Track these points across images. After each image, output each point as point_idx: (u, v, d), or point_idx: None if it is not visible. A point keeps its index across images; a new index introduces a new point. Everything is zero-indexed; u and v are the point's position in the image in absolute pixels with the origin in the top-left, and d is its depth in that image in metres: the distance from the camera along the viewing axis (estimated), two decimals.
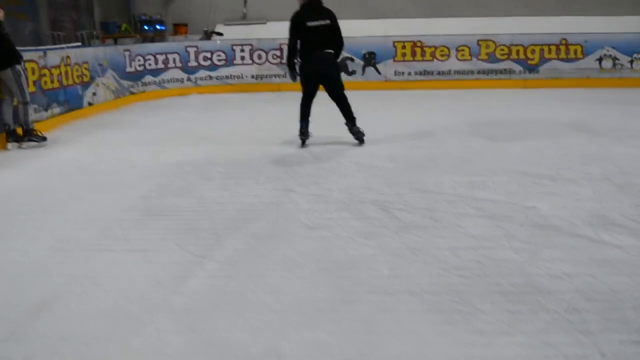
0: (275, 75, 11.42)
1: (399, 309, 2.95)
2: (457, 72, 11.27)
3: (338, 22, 6.49)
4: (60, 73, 8.60)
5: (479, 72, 11.22)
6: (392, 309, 2.95)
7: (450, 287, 3.13)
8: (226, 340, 2.73)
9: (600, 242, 3.63)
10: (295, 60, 6.56)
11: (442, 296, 3.04)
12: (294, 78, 6.64)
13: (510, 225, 3.93)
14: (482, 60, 11.19)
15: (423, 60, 11.34)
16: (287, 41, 6.55)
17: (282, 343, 2.69)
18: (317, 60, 6.40)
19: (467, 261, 3.42)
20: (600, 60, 10.84)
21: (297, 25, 6.39)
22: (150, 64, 11.31)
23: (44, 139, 7.12)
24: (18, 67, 6.93)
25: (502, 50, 11.11)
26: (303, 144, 6.53)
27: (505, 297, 3.01)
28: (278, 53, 11.42)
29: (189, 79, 11.66)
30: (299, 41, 6.42)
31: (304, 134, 6.55)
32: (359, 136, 6.51)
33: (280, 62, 11.16)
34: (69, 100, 8.80)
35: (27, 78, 7.24)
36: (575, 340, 2.62)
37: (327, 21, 6.40)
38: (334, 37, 6.45)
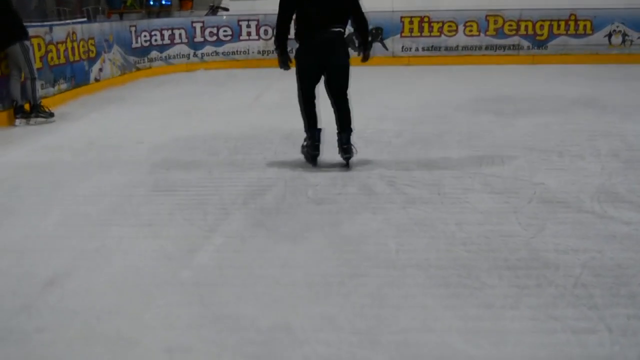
0: None
1: (407, 283, 2.97)
2: (465, 47, 11.19)
3: None
4: (67, 49, 8.58)
5: (486, 48, 11.14)
6: (400, 283, 2.97)
7: (457, 261, 3.15)
8: (235, 314, 2.76)
9: (607, 218, 3.63)
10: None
11: (449, 271, 3.06)
12: (285, 66, 4.79)
13: (517, 200, 3.93)
14: (490, 35, 11.10)
15: (430, 36, 11.26)
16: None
17: (291, 317, 2.71)
18: (318, 45, 4.62)
19: (474, 236, 3.43)
20: (609, 35, 10.74)
21: None
22: (156, 40, 11.27)
23: (52, 114, 7.13)
24: (26, 42, 6.93)
25: (511, 25, 11.01)
26: (314, 161, 4.88)
27: (512, 271, 3.02)
28: None
29: (195, 55, 11.62)
30: (294, 16, 4.71)
31: (314, 147, 4.84)
32: (348, 154, 4.78)
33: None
34: (75, 75, 8.79)
35: (34, 53, 7.23)
36: (582, 315, 2.64)
37: None
38: (344, 13, 4.68)
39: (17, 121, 7.01)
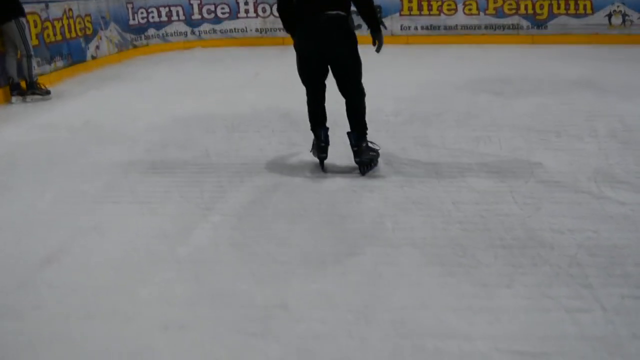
0: (279, 29, 11.26)
1: (403, 261, 2.98)
2: (464, 27, 11.12)
3: None
4: (63, 26, 8.52)
5: (486, 27, 11.06)
6: (396, 261, 2.98)
7: (453, 240, 3.16)
8: (232, 291, 2.77)
9: (603, 198, 3.64)
10: None
11: (445, 249, 3.07)
12: None
13: (514, 180, 3.93)
14: (489, 15, 11.02)
15: (430, 15, 11.17)
16: None
17: (287, 294, 2.73)
18: (312, 31, 3.98)
19: (471, 215, 3.44)
20: (609, 16, 10.66)
21: None
22: (153, 17, 11.17)
23: (48, 92, 7.10)
24: (22, 19, 6.88)
25: (510, 4, 10.92)
26: (321, 165, 4.28)
27: (507, 250, 3.03)
28: None
29: (192, 32, 11.53)
30: None
31: (320, 150, 4.22)
32: (363, 159, 4.13)
33: None
34: (72, 53, 8.74)
35: (29, 31, 7.18)
36: (577, 294, 2.65)
37: None
38: None
39: (14, 99, 6.98)
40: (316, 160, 4.31)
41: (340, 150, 4.39)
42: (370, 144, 4.20)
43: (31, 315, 2.65)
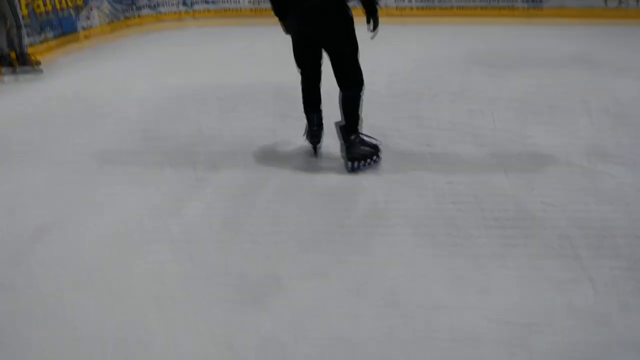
0: None
1: (395, 238, 3.00)
2: (459, 2, 11.03)
3: None
4: None
5: (481, 1, 10.98)
6: (388, 237, 3.00)
7: (445, 215, 3.18)
8: (224, 267, 2.79)
9: (595, 173, 3.65)
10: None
11: (437, 225, 3.09)
12: (289, 30, 3.91)
13: (507, 157, 3.94)
14: None
15: None
16: None
17: (280, 270, 2.75)
18: (303, 11, 3.69)
19: (463, 190, 3.45)
20: None
21: None
22: None
23: (38, 63, 7.02)
24: None
25: None
26: (315, 151, 4.09)
27: (499, 225, 3.06)
28: None
29: (184, 3, 11.39)
30: None
31: (313, 135, 4.04)
32: (354, 154, 3.80)
33: None
34: (62, 25, 8.63)
35: (19, 1, 7.10)
36: (566, 267, 2.68)
37: None
38: None
39: (5, 76, 6.91)
40: (314, 155, 4.10)
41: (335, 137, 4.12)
42: (366, 138, 3.89)
43: (24, 291, 2.67)
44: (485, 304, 2.46)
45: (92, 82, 6.56)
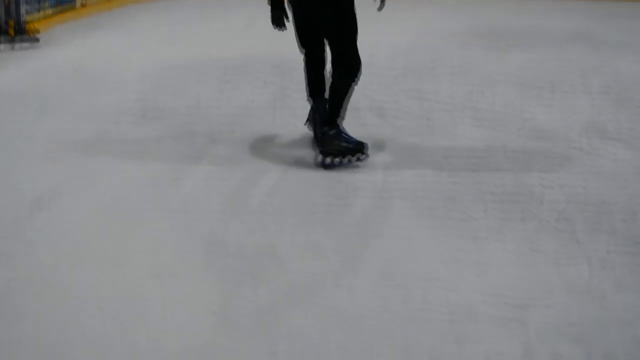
0: None
1: (392, 213, 3.00)
2: None
3: None
4: None
5: None
6: (386, 212, 3.00)
7: (444, 193, 3.17)
8: (221, 240, 2.79)
9: (594, 154, 3.65)
10: None
11: (435, 201, 3.09)
12: (278, 24, 3.67)
13: (506, 134, 3.94)
14: None
15: None
16: None
17: (277, 243, 2.75)
18: None
19: (462, 167, 3.45)
20: None
21: None
22: None
23: (37, 36, 6.95)
24: None
25: None
26: (316, 139, 3.70)
27: (497, 204, 3.06)
28: None
29: None
30: None
31: (313, 121, 3.74)
32: (326, 149, 3.46)
33: None
34: None
35: None
36: (563, 246, 2.69)
37: None
38: None
39: (1, 39, 6.84)
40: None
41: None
42: (344, 135, 3.50)
43: (22, 261, 2.66)
44: (481, 280, 2.46)
45: (90, 53, 6.51)
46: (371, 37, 6.45)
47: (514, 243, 2.73)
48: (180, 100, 4.75)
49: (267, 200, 3.13)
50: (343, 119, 3.60)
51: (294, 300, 2.37)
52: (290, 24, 3.64)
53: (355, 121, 4.20)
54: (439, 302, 2.34)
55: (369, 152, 3.49)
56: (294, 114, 4.37)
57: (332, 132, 3.47)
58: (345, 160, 3.43)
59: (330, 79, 3.53)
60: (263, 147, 3.80)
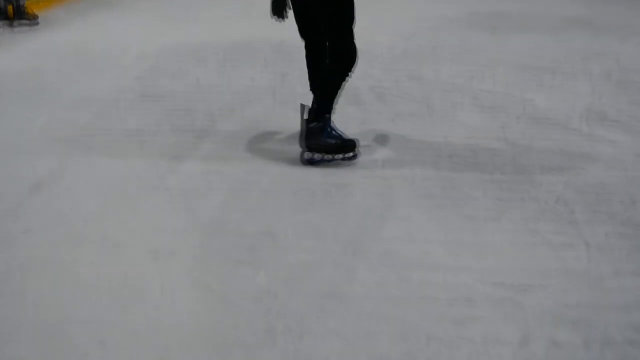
0: None
1: (392, 194, 3.00)
2: None
3: None
4: None
5: None
6: (385, 194, 3.00)
7: (443, 174, 3.18)
8: (220, 220, 2.79)
9: (594, 137, 3.65)
10: None
11: (434, 183, 3.09)
12: (278, 14, 3.41)
13: (506, 117, 3.93)
14: None
15: None
16: None
17: (276, 224, 2.75)
18: None
19: (461, 150, 3.45)
20: None
21: None
22: None
23: (36, 18, 6.92)
24: None
25: None
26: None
27: (496, 186, 3.06)
28: None
29: None
30: None
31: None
32: (310, 144, 3.25)
33: None
34: None
35: None
36: (562, 230, 2.69)
37: None
38: None
39: (1, 23, 6.81)
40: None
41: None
42: (331, 132, 3.28)
43: (21, 240, 2.67)
44: (480, 263, 2.47)
45: (90, 35, 6.48)
46: (372, 21, 6.45)
47: (513, 226, 2.73)
48: (181, 82, 4.74)
49: (267, 182, 3.13)
50: (329, 113, 3.33)
51: (292, 280, 2.38)
52: (291, 14, 3.46)
53: (354, 101, 4.21)
54: (437, 284, 2.34)
55: (360, 149, 3.33)
56: (294, 94, 4.35)
57: (318, 126, 3.25)
58: (329, 157, 3.25)
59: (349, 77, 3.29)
60: (263, 127, 3.80)
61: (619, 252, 2.54)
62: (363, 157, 3.39)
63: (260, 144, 3.58)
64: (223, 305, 2.26)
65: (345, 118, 3.90)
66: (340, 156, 3.26)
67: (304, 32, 3.44)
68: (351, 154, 3.27)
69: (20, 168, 3.32)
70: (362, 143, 3.42)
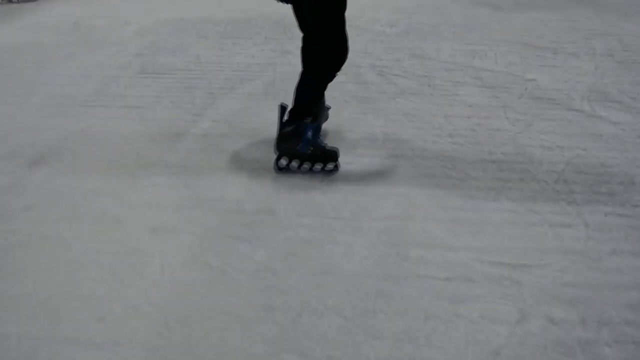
0: None
1: (391, 172, 3.00)
2: None
3: None
4: None
5: None
6: (384, 172, 3.00)
7: (443, 153, 3.17)
8: (219, 197, 2.79)
9: (596, 117, 3.63)
10: None
11: (434, 161, 3.08)
12: None
13: (507, 95, 3.91)
14: None
15: None
16: None
17: (275, 201, 2.75)
18: None
19: (461, 129, 3.43)
20: None
21: None
22: None
23: None
24: None
25: None
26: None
27: (496, 165, 3.05)
28: None
29: None
30: None
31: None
32: (281, 148, 2.93)
33: None
34: None
35: None
36: (561, 210, 2.69)
37: None
38: None
39: None
40: None
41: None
42: (312, 138, 2.94)
43: (21, 216, 2.68)
44: (478, 243, 2.47)
45: (89, 9, 6.44)
46: None
47: (511, 204, 2.73)
48: (180, 57, 4.71)
49: (267, 158, 3.12)
50: (312, 118, 2.99)
51: (291, 257, 2.39)
52: None
53: (355, 78, 4.18)
54: (435, 261, 2.35)
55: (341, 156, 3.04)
56: (294, 70, 4.32)
57: (296, 130, 2.90)
58: (307, 166, 2.91)
59: (334, 77, 2.91)
60: (263, 104, 3.78)
61: (617, 232, 2.54)
62: (362, 134, 3.38)
63: (260, 120, 3.57)
64: (222, 281, 2.27)
65: (345, 95, 3.90)
66: (319, 167, 2.93)
67: (301, 24, 3.03)
68: (331, 166, 2.93)
69: (20, 144, 3.32)
70: (361, 117, 3.40)
